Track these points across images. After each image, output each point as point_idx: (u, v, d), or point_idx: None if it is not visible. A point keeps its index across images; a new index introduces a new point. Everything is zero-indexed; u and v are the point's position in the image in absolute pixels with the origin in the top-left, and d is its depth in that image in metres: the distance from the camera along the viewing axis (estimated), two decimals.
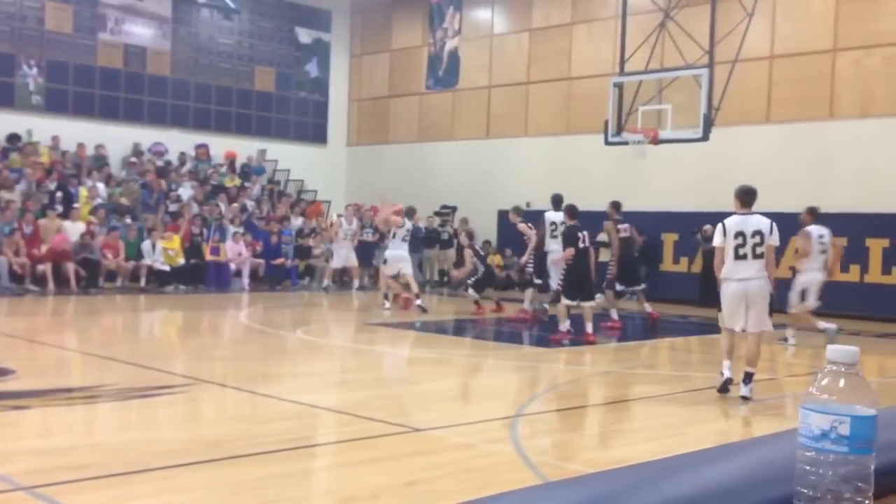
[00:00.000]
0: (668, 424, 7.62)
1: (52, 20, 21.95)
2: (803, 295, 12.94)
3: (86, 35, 22.44)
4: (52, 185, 19.81)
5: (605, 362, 11.75)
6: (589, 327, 12.50)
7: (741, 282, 8.45)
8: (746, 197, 8.66)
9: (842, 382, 1.38)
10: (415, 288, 16.25)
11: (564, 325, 12.72)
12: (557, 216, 14.16)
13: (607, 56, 20.01)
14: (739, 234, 8.46)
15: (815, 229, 12.87)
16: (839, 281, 17.10)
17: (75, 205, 19.18)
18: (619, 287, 15.03)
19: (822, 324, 12.78)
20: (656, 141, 16.74)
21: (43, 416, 7.04)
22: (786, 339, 13.02)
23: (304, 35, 26.38)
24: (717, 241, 8.57)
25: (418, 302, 15.85)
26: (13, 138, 20.89)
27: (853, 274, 17.07)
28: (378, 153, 26.18)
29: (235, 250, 19.96)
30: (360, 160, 26.69)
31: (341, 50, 27.12)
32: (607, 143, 17.50)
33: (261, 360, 10.94)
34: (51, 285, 17.13)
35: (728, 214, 14.21)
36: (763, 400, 8.54)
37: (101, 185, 20.53)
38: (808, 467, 1.38)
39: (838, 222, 17.06)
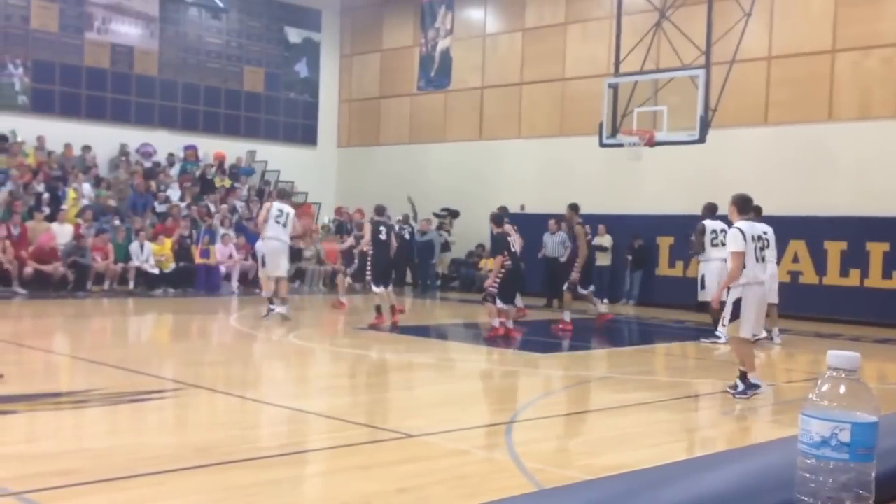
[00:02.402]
0: (665, 431, 7.56)
1: (38, 19, 21.64)
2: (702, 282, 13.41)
3: (72, 34, 22.14)
4: (40, 187, 19.49)
5: (600, 368, 11.60)
6: (510, 323, 13.02)
7: (762, 285, 8.66)
8: (746, 205, 8.84)
9: (842, 389, 1.36)
10: (283, 290, 14.48)
11: (496, 322, 12.99)
12: (716, 224, 13.63)
13: (602, 56, 19.84)
14: (753, 237, 8.59)
15: (710, 224, 13.26)
16: (839, 285, 17.00)
17: (63, 206, 18.87)
18: (581, 290, 14.95)
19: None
20: (652, 143, 16.56)
21: (31, 420, 6.98)
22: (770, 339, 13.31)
23: (294, 35, 26.15)
24: (738, 246, 8.50)
25: (279, 309, 14.06)
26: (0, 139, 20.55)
27: (853, 278, 16.91)
28: (369, 155, 25.97)
29: (225, 253, 19.68)
30: (351, 162, 26.47)
31: (331, 50, 26.90)
32: (602, 144, 17.33)
33: (251, 365, 10.78)
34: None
35: (723, 217, 14.21)
36: (762, 406, 8.39)
37: (87, 186, 20.21)
38: (807, 475, 1.36)
39: (837, 226, 16.96)
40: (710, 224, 13.53)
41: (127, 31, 23.05)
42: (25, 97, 21.33)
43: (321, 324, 15.81)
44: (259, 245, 14.60)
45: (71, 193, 19.63)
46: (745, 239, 8.48)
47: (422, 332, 14.23)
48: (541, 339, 14.16)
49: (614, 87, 17.16)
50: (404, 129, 25.30)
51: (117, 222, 19.17)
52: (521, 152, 22.41)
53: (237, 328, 14.07)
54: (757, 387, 8.57)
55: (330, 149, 26.85)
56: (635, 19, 17.69)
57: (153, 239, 19.06)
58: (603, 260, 19.79)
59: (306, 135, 26.38)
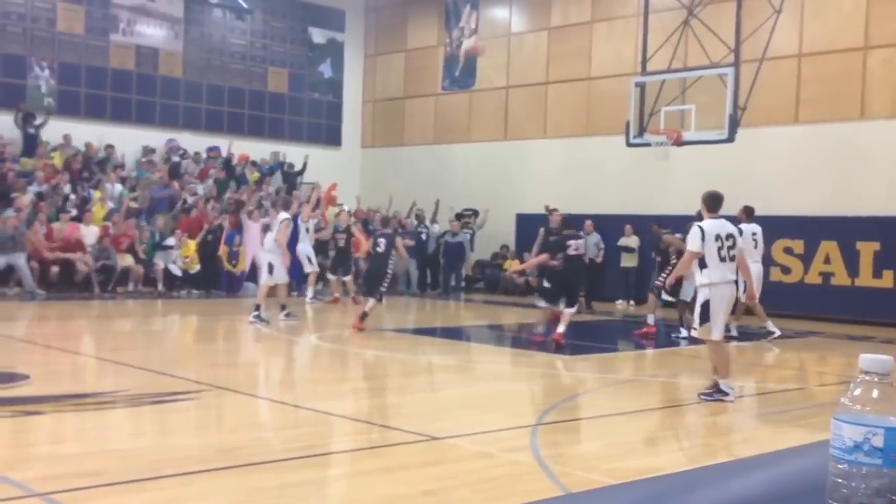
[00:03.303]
0: (692, 434, 7.54)
1: (64, 21, 21.71)
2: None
3: (98, 36, 22.20)
4: (66, 188, 19.48)
5: (626, 370, 11.46)
6: (562, 328, 12.38)
7: (730, 284, 8.53)
8: (715, 202, 8.73)
9: (875, 393, 1.35)
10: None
11: (540, 327, 12.90)
12: (753, 227, 14.00)
13: (628, 55, 19.67)
14: (718, 237, 8.45)
15: (747, 227, 13.44)
16: (872, 287, 16.72)
17: (89, 206, 18.85)
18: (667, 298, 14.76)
19: (771, 324, 13.79)
20: (679, 142, 16.39)
21: (56, 421, 7.02)
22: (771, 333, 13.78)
23: (318, 35, 26.13)
24: (695, 245, 8.38)
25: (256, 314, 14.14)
26: (28, 117, 20.48)
27: (886, 279, 16.60)
28: (393, 155, 25.89)
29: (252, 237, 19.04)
30: (375, 162, 26.41)
31: (355, 50, 26.86)
32: (629, 144, 17.17)
33: (276, 367, 10.72)
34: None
35: (756, 219, 14.04)
36: (792, 410, 8.24)
37: (118, 186, 20.12)
38: (840, 480, 1.36)
39: (870, 226, 16.68)
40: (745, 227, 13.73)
41: (152, 33, 23.09)
42: (51, 99, 21.39)
43: (344, 326, 15.72)
44: None
45: (97, 194, 19.63)
46: (703, 238, 8.35)
47: (447, 333, 14.11)
48: (568, 342, 14.03)
49: (641, 86, 16.99)
50: (429, 130, 25.21)
51: (143, 224, 19.12)
52: (546, 152, 22.25)
53: (261, 330, 14.00)
54: (725, 394, 8.35)
55: (354, 149, 26.78)
56: (663, 17, 17.50)
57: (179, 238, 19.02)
58: (629, 261, 19.61)
59: (330, 135, 26.34)
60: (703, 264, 8.37)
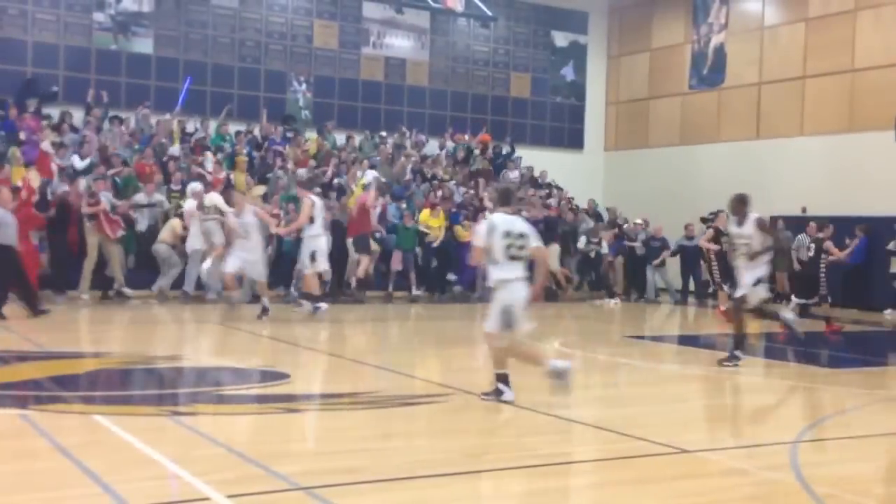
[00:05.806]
0: None
1: (320, 37, 22.93)
2: None
3: (350, 50, 23.27)
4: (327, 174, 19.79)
5: None
6: None
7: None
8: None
9: None
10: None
11: None
12: None
13: None
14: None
15: None
16: None
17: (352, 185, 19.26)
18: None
19: None
20: None
21: (313, 419, 7.32)
22: None
23: (560, 38, 26.10)
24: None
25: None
26: (288, 119, 21.56)
27: None
28: (637, 158, 25.39)
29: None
30: (619, 165, 26.01)
31: (598, 52, 26.59)
32: None
33: (519, 372, 10.61)
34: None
35: None
36: None
37: (370, 172, 20.21)
38: None
39: None
40: None
41: (400, 45, 23.94)
42: (308, 112, 22.59)
43: (587, 331, 15.50)
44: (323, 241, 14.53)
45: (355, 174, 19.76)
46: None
47: (688, 341, 13.58)
48: (823, 352, 13.14)
49: None
50: (675, 130, 24.54)
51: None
52: (803, 151, 21.07)
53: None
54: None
55: (597, 152, 26.50)
56: None
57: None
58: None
59: (572, 139, 26.21)
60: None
